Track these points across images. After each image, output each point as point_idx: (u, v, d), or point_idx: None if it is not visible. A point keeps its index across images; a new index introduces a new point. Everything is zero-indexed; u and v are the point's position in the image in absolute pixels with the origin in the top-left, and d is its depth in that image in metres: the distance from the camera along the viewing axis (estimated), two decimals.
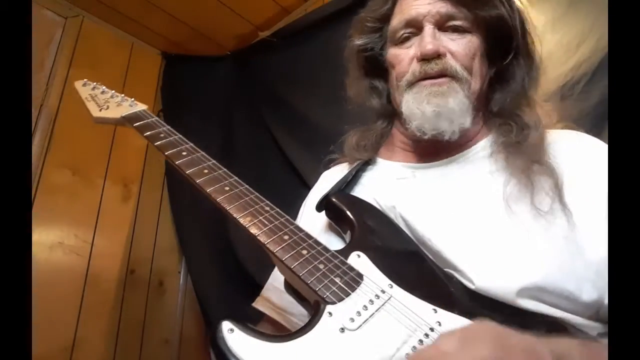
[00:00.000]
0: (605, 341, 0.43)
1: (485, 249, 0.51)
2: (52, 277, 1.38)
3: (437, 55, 0.60)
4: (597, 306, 0.48)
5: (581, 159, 0.57)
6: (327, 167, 0.83)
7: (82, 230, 1.51)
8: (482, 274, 0.49)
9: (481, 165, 0.61)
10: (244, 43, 1.89)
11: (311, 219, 0.68)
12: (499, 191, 0.55)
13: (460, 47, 0.61)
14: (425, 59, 0.60)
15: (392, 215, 0.60)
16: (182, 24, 1.81)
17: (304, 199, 0.83)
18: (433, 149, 0.65)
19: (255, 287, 0.88)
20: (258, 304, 0.72)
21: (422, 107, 0.60)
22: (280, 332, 0.66)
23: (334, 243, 0.62)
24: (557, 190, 0.53)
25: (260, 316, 0.71)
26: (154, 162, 1.81)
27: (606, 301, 0.48)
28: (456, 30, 0.61)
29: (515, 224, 0.52)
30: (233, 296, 1.50)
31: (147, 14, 1.73)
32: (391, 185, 0.65)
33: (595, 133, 0.86)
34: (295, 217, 0.80)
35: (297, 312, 0.62)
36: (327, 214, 0.64)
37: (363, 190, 0.67)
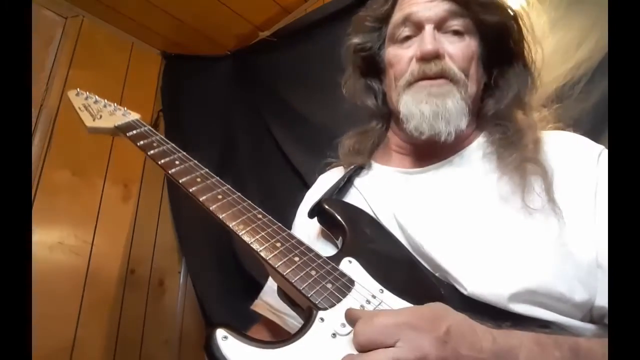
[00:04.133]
0: (570, 340, 0.42)
1: (476, 256, 0.51)
2: (52, 277, 1.38)
3: (436, 56, 0.60)
4: (589, 306, 0.49)
5: (570, 160, 0.57)
6: (323, 172, 0.83)
7: (82, 230, 1.51)
8: (473, 281, 0.49)
9: (474, 166, 0.61)
10: (244, 43, 1.89)
11: (305, 225, 0.68)
12: (491, 192, 0.56)
13: (458, 50, 0.61)
14: (424, 59, 0.60)
15: (387, 222, 0.60)
16: (182, 24, 1.81)
17: (302, 198, 0.83)
18: (428, 151, 0.65)
19: (255, 287, 0.87)
20: (257, 307, 0.72)
21: (421, 106, 0.60)
22: (277, 334, 0.67)
23: (328, 249, 0.62)
24: (548, 189, 0.53)
25: (259, 316, 0.71)
26: (153, 163, 1.80)
27: (597, 301, 0.48)
28: (456, 32, 0.61)
29: (505, 227, 0.53)
30: (233, 296, 1.50)
31: (147, 14, 1.72)
32: (385, 191, 0.65)
33: (596, 133, 0.87)
34: (294, 217, 0.80)
35: (295, 314, 0.63)
36: (319, 220, 0.64)
37: (357, 196, 0.67)
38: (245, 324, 0.75)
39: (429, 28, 0.61)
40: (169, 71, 1.98)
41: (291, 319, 0.65)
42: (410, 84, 0.62)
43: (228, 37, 1.90)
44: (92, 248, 1.51)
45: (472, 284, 0.49)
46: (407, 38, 0.64)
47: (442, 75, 0.60)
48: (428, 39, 0.60)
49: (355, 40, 0.72)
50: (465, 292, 0.49)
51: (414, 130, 0.61)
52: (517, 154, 0.56)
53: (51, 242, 1.42)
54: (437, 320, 0.38)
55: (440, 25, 0.61)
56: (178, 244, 1.79)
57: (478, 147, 0.63)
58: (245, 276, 1.46)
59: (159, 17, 1.74)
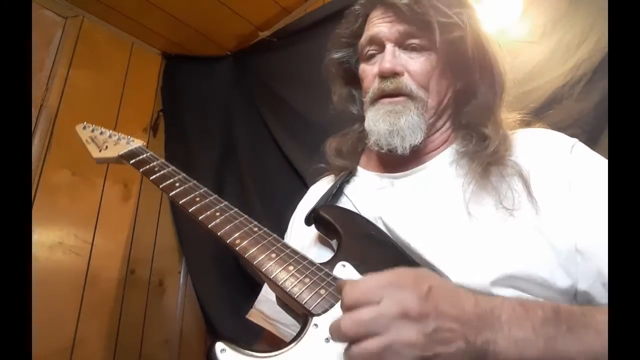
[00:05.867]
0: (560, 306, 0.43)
1: (457, 248, 0.54)
2: (52, 277, 1.38)
3: (394, 74, 0.63)
4: (573, 292, 0.51)
5: (543, 153, 0.59)
6: (313, 179, 0.85)
7: (82, 230, 1.51)
8: (456, 271, 0.51)
9: (448, 171, 0.64)
10: (244, 43, 1.89)
11: (301, 232, 0.70)
12: (466, 191, 0.59)
13: (417, 66, 0.64)
14: (383, 76, 0.64)
15: (375, 224, 0.62)
16: (182, 24, 1.81)
17: (301, 198, 0.83)
18: (406, 158, 0.67)
19: (255, 286, 0.87)
20: (252, 316, 0.74)
21: (378, 124, 0.64)
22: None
23: (325, 253, 0.64)
24: (523, 185, 0.56)
25: (260, 329, 0.72)
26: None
27: (579, 286, 0.50)
28: (415, 48, 0.64)
29: (480, 222, 0.55)
30: (233, 296, 1.50)
31: (147, 14, 1.72)
32: (373, 195, 0.68)
33: (596, 133, 0.87)
34: (290, 218, 0.82)
35: (290, 323, 0.64)
36: (317, 227, 0.66)
37: (347, 202, 0.70)
38: (244, 324, 0.75)
39: (389, 47, 0.65)
40: (169, 71, 1.98)
41: (285, 328, 0.67)
42: (373, 101, 0.66)
43: (228, 37, 1.90)
44: (92, 248, 1.51)
45: (456, 274, 0.51)
46: (373, 55, 0.68)
47: (400, 92, 0.64)
48: (387, 57, 0.64)
49: (335, 55, 0.77)
50: None
51: (374, 144, 0.65)
52: (480, 161, 0.60)
53: (51, 242, 1.42)
54: (420, 279, 0.40)
55: (400, 43, 0.65)
56: (178, 244, 1.79)
57: (450, 155, 0.66)
58: (245, 276, 1.46)
59: (159, 17, 1.74)
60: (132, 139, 0.80)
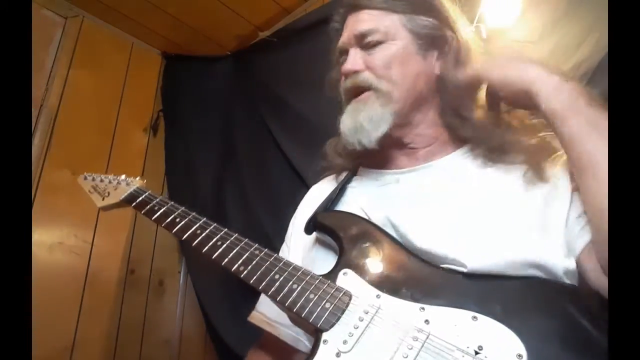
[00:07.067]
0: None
1: (473, 236, 0.54)
2: (52, 277, 1.38)
3: (354, 72, 0.67)
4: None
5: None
6: (315, 180, 0.85)
7: (82, 230, 1.51)
8: (473, 257, 0.51)
9: (458, 166, 0.65)
10: (244, 43, 1.89)
11: (302, 235, 0.70)
12: (479, 186, 0.60)
13: (374, 60, 0.66)
14: (345, 76, 0.69)
15: (382, 224, 0.62)
16: (182, 24, 1.81)
17: (302, 199, 0.83)
18: (411, 155, 0.68)
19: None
20: (254, 319, 0.74)
21: (343, 125, 0.68)
22: (279, 350, 0.69)
23: (325, 255, 0.64)
24: (535, 174, 0.58)
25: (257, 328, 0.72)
26: (154, 162, 1.81)
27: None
28: (373, 45, 0.67)
29: (493, 210, 0.56)
30: (233, 296, 1.50)
31: (147, 14, 1.73)
32: (377, 194, 0.67)
33: None
34: (290, 218, 0.81)
35: (291, 324, 0.66)
36: (318, 234, 0.67)
37: (352, 203, 0.69)
38: (244, 324, 0.75)
39: (351, 51, 0.68)
40: (169, 71, 1.98)
41: (286, 329, 0.68)
42: (345, 104, 0.70)
43: (228, 37, 1.90)
44: (92, 248, 1.51)
45: (472, 261, 0.51)
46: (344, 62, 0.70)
47: (360, 87, 0.67)
48: (348, 59, 0.68)
49: (335, 70, 0.78)
50: (465, 270, 0.51)
51: (346, 144, 0.68)
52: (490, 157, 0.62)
53: (51, 242, 1.42)
54: None
55: (360, 44, 0.68)
56: (178, 244, 1.79)
57: (462, 153, 0.67)
58: None
59: (159, 17, 1.74)
60: (130, 179, 0.81)
